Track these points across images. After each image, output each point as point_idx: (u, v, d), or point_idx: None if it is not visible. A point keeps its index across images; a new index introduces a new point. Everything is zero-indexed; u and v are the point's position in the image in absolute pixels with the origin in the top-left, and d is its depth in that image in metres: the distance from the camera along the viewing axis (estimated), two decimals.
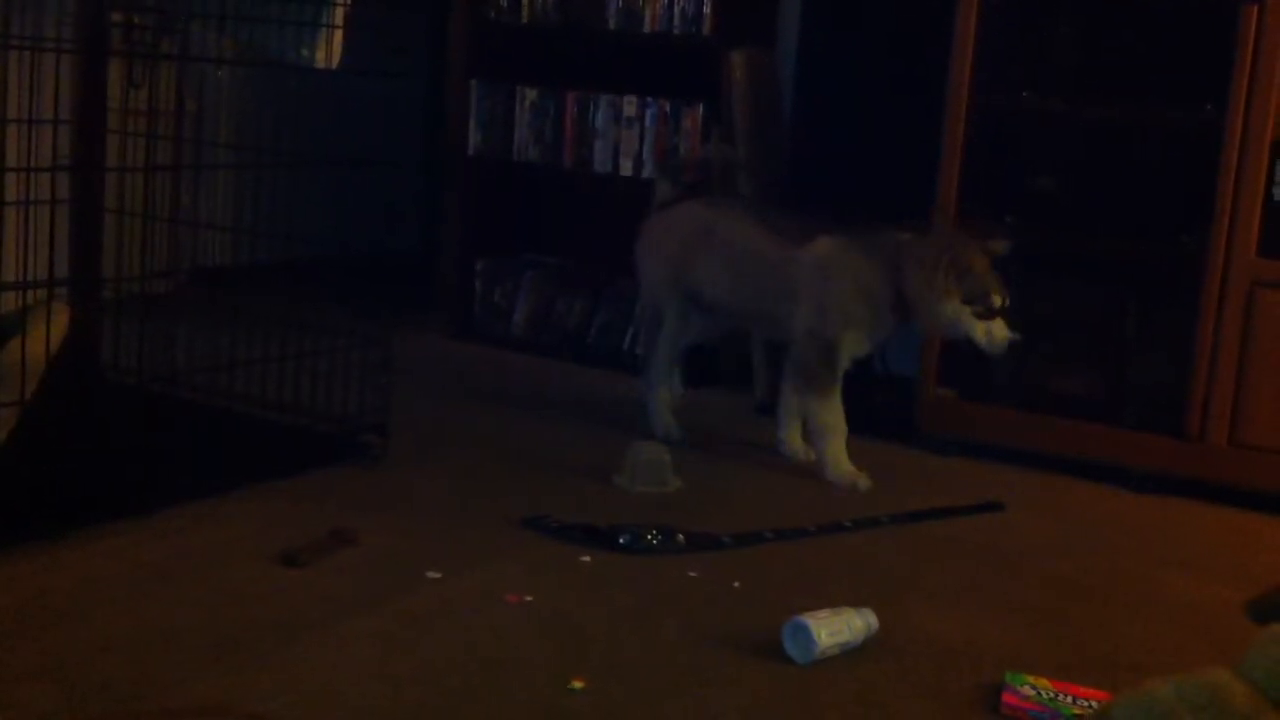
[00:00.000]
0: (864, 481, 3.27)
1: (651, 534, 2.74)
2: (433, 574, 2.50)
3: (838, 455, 3.30)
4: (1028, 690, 2.14)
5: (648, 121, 4.34)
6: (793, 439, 3.47)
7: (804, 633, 2.24)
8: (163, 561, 2.48)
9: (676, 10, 4.24)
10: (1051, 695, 2.13)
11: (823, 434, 3.31)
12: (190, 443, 2.99)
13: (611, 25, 4.35)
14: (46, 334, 2.74)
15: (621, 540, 2.71)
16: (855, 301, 3.26)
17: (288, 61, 3.29)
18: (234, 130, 4.53)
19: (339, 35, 3.25)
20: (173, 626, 2.21)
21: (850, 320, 3.27)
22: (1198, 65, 3.40)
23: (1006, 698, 2.13)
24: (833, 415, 3.29)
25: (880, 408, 3.76)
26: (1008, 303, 3.16)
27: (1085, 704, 2.10)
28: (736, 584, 2.59)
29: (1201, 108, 3.34)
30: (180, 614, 2.27)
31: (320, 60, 3.25)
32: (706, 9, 4.18)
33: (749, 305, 3.44)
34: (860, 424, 3.41)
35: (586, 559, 2.65)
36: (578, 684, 2.09)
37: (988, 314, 3.14)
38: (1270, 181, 3.27)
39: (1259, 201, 3.28)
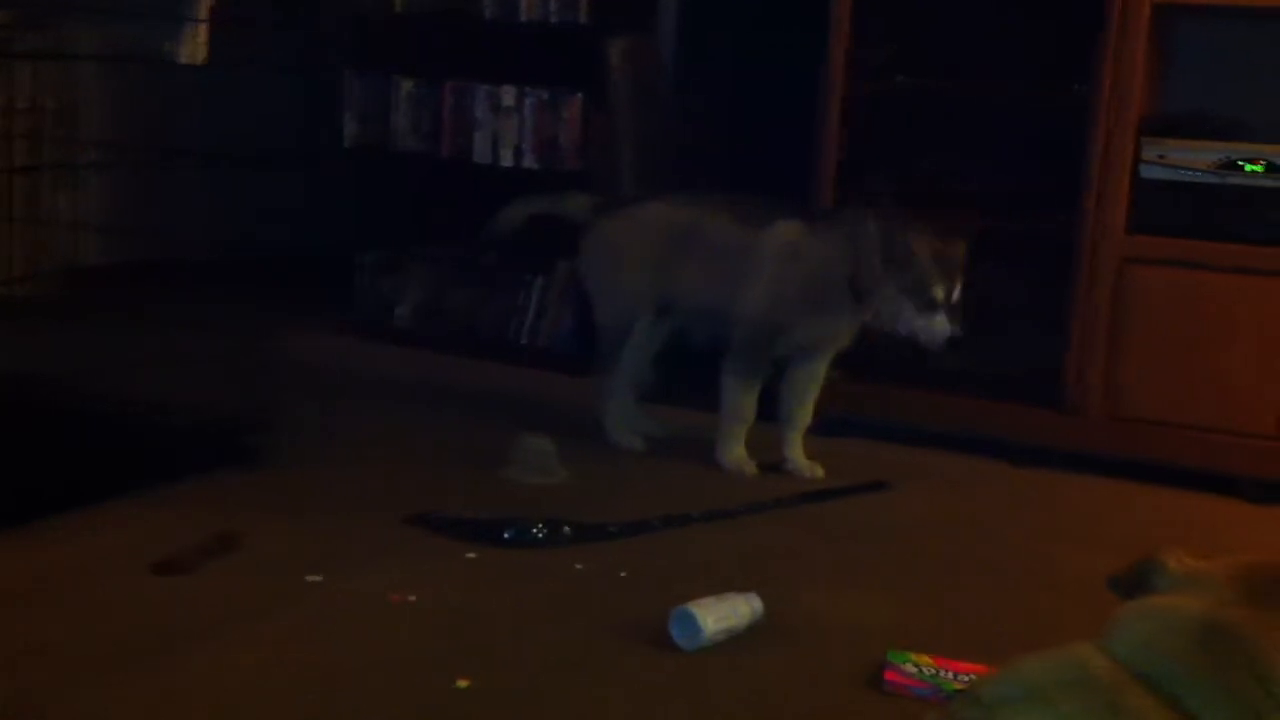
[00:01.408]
0: (750, 470, 3.28)
1: (537, 527, 2.73)
2: (314, 577, 2.46)
3: (733, 441, 3.30)
4: (910, 668, 2.17)
5: (527, 111, 4.31)
6: (797, 456, 3.36)
7: (690, 620, 2.25)
8: (38, 574, 2.42)
9: None
10: (933, 672, 2.16)
11: (727, 416, 3.29)
12: (65, 449, 2.92)
13: (488, 14, 4.32)
14: None
15: (506, 535, 2.69)
16: (808, 287, 3.22)
17: (153, 57, 3.22)
18: (108, 128, 4.42)
19: (204, 30, 3.18)
20: (49, 641, 2.15)
21: (801, 307, 3.23)
22: (1066, 46, 3.47)
23: (889, 675, 2.16)
24: (745, 402, 3.28)
25: (766, 390, 3.78)
26: (954, 298, 3.11)
27: (967, 679, 2.13)
28: (624, 574, 2.59)
29: (1070, 88, 3.41)
30: (56, 628, 2.21)
31: (186, 56, 3.18)
32: None
33: (718, 303, 3.32)
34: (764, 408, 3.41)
35: (472, 555, 2.63)
36: (463, 683, 2.07)
37: (928, 307, 3.10)
38: (1138, 159, 3.35)
39: (1127, 179, 3.35)
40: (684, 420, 3.60)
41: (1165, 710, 1.20)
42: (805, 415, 3.37)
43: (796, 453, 3.36)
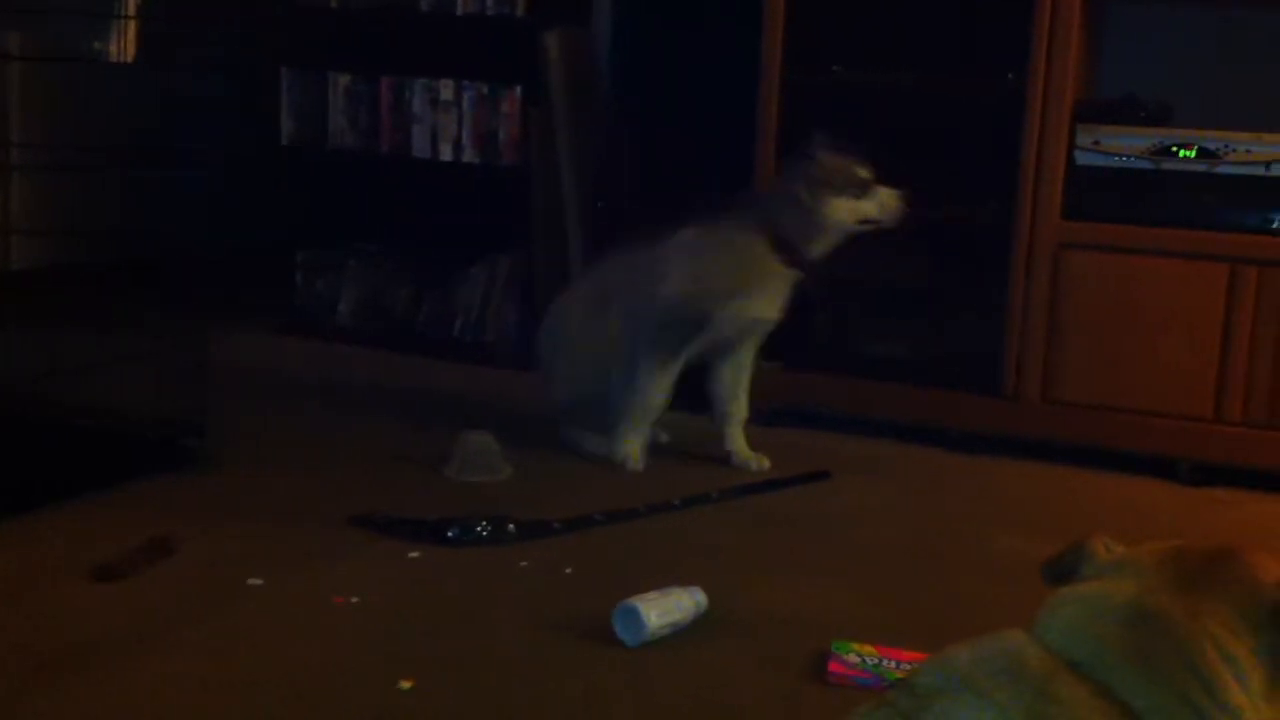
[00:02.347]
0: (635, 464, 3.25)
1: (481, 525, 2.71)
2: (254, 580, 2.44)
3: (631, 431, 3.26)
4: (853, 658, 2.18)
5: (466, 105, 4.29)
6: (740, 449, 3.36)
7: (633, 615, 2.24)
8: None
9: None
10: (876, 661, 2.17)
11: (638, 403, 3.25)
12: None
13: (424, 7, 4.29)
14: None
15: (450, 534, 2.68)
16: (724, 273, 3.22)
17: (82, 56, 3.16)
18: (35, 129, 4.34)
19: (133, 26, 3.13)
20: None
21: (723, 293, 3.21)
22: (999, 36, 3.49)
23: (833, 666, 2.16)
24: (659, 390, 3.25)
25: (697, 386, 3.79)
26: (874, 175, 3.20)
27: (910, 668, 2.14)
28: (568, 570, 2.58)
29: (1004, 76, 3.43)
30: None
31: (114, 53, 3.12)
32: None
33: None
34: (687, 399, 3.41)
35: (415, 555, 2.62)
36: (406, 684, 2.06)
37: (865, 192, 3.18)
38: (1072, 146, 3.38)
39: (1062, 166, 3.38)
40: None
41: (1096, 698, 1.20)
42: (741, 407, 3.37)
43: (739, 445, 3.36)
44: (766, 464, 3.33)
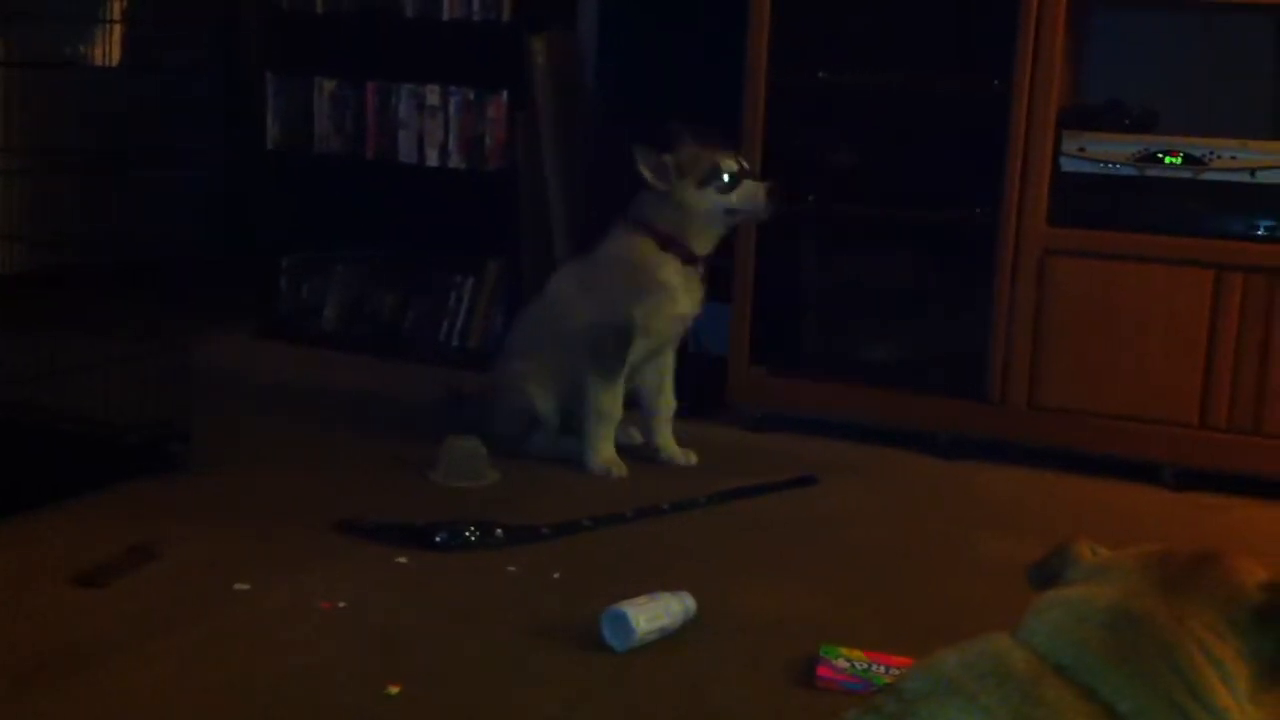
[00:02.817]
0: (620, 470, 3.25)
1: (469, 530, 2.71)
2: (241, 585, 2.43)
3: (601, 442, 3.27)
4: (841, 663, 2.18)
5: (452, 110, 4.29)
6: (667, 445, 3.38)
7: (622, 621, 2.24)
8: None
9: None
10: (865, 666, 2.17)
11: (593, 418, 3.26)
12: None
13: (410, 13, 4.29)
14: None
15: (438, 539, 2.67)
16: (628, 280, 3.23)
17: (64, 60, 3.14)
18: (19, 134, 4.31)
19: (118, 31, 3.12)
20: None
21: (635, 298, 3.22)
22: (984, 41, 3.50)
23: (821, 671, 2.16)
24: (612, 402, 3.26)
25: (694, 387, 3.79)
26: (747, 166, 3.22)
27: (898, 673, 2.14)
28: (556, 575, 2.58)
29: (990, 82, 3.44)
30: None
31: (98, 57, 3.11)
32: None
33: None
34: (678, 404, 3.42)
35: (403, 560, 2.61)
36: (393, 690, 2.05)
37: (731, 185, 3.20)
38: (1058, 152, 3.39)
39: (1047, 172, 3.38)
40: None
41: (1081, 701, 1.21)
42: (668, 403, 3.40)
43: (665, 441, 3.39)
44: (694, 459, 3.36)
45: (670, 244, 3.23)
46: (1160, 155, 3.31)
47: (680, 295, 3.25)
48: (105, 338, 3.04)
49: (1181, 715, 1.20)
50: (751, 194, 3.22)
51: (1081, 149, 3.36)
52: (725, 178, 3.20)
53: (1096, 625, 1.25)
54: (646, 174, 3.21)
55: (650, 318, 3.24)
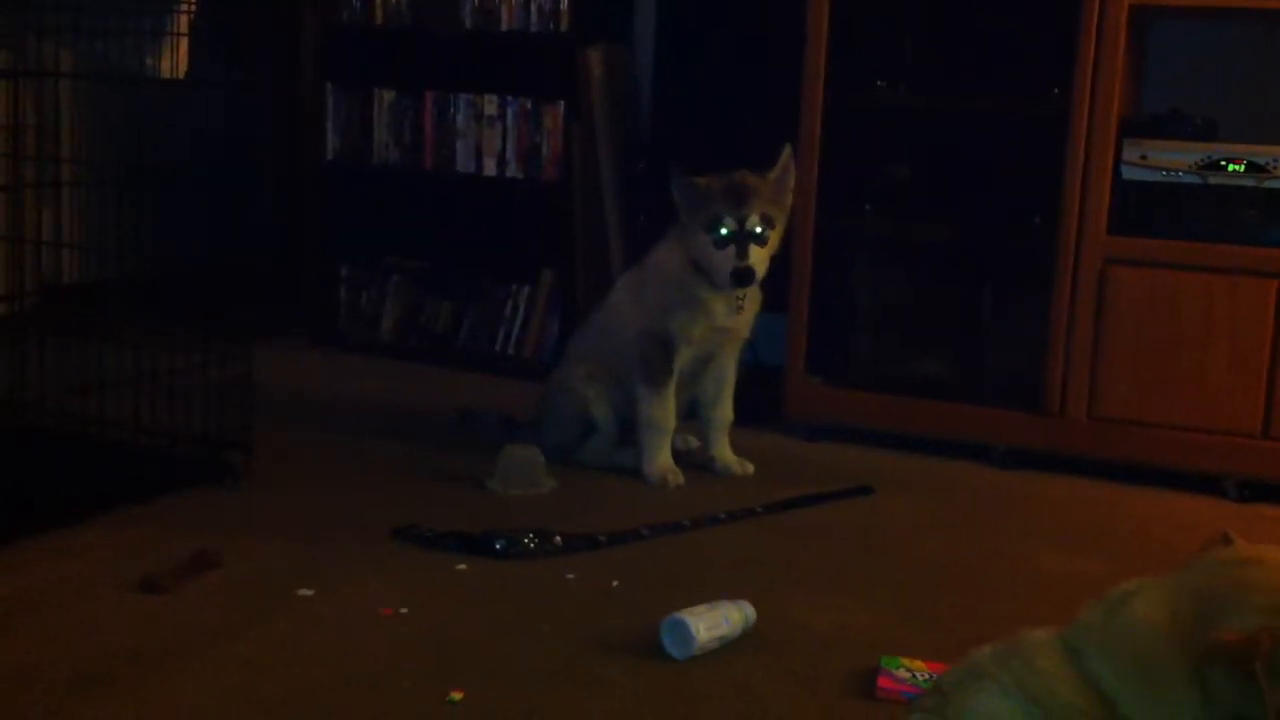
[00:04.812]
0: (675, 479, 3.25)
1: (528, 537, 2.72)
2: (305, 591, 2.45)
3: (656, 452, 3.27)
4: (903, 673, 2.17)
5: (509, 120, 4.32)
6: (723, 455, 3.39)
7: (682, 629, 2.24)
8: (19, 596, 2.40)
9: (533, 8, 4.22)
10: (926, 676, 2.16)
11: (647, 428, 3.27)
12: (45, 470, 2.89)
13: (468, 24, 4.32)
14: None
15: (497, 546, 2.68)
16: (667, 292, 3.25)
17: (132, 73, 3.19)
18: (87, 145, 4.38)
19: (185, 44, 3.17)
20: (32, 662, 2.14)
21: (673, 312, 3.24)
22: (1044, 52, 3.48)
23: (882, 681, 2.16)
24: (661, 411, 3.26)
25: (751, 397, 3.79)
26: (757, 229, 3.14)
27: None
28: (615, 583, 2.59)
29: (1049, 93, 3.42)
30: (39, 649, 2.19)
31: (166, 70, 3.16)
32: (563, 6, 4.17)
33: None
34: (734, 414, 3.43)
35: (462, 567, 2.63)
36: (456, 696, 2.07)
37: (725, 241, 3.15)
38: (1118, 161, 3.36)
39: (1108, 181, 3.36)
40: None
41: (1069, 667, 1.37)
42: (725, 414, 3.40)
43: (722, 451, 3.40)
44: (751, 469, 3.37)
45: (698, 268, 3.23)
46: (1223, 163, 3.28)
47: (717, 309, 3.25)
48: (167, 348, 3.08)
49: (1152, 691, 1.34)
50: (722, 263, 3.15)
51: (1143, 157, 3.34)
52: (722, 231, 3.15)
53: (1100, 611, 1.41)
54: (675, 196, 3.23)
55: (688, 329, 3.25)
